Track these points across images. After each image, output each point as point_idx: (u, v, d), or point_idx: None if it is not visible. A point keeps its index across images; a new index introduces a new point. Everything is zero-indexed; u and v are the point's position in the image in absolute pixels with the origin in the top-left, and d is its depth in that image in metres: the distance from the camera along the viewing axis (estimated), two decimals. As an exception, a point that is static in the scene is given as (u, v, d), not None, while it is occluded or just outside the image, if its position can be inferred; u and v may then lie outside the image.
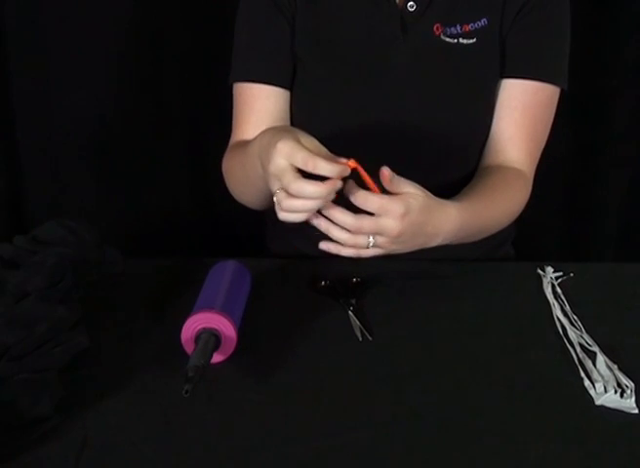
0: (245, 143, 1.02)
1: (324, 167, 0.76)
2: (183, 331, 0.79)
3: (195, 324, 0.79)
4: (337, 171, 0.77)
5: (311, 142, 0.80)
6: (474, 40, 1.03)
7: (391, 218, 0.81)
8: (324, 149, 0.80)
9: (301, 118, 1.09)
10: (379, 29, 1.03)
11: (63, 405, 0.72)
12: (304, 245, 1.14)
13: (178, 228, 1.51)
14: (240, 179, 1.03)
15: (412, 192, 0.83)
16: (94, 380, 0.78)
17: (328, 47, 1.04)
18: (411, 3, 1.02)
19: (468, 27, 1.02)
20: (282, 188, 0.79)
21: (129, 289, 0.95)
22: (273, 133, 0.83)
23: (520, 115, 1.06)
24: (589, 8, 1.38)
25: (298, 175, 0.77)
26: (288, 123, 1.09)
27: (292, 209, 0.79)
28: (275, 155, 0.78)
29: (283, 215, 0.81)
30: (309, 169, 0.76)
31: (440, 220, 0.87)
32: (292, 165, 0.77)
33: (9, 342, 0.76)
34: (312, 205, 0.79)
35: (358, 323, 0.88)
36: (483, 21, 1.02)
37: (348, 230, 0.81)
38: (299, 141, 0.78)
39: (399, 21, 1.02)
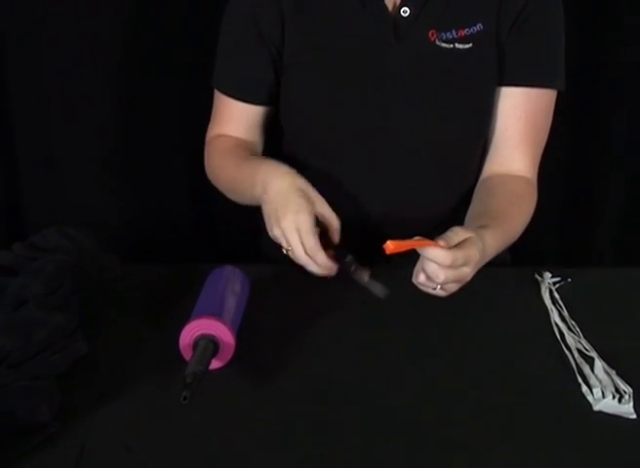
0: (231, 149, 1.09)
1: (321, 261, 0.90)
2: (181, 337, 0.79)
3: (193, 330, 0.79)
4: (325, 268, 0.90)
5: (326, 210, 0.92)
6: (470, 45, 1.02)
7: (470, 267, 0.85)
8: (336, 221, 0.93)
9: (295, 126, 1.10)
10: (372, 36, 1.02)
11: (61, 412, 0.72)
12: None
13: (176, 234, 1.51)
14: (225, 189, 1.11)
15: (470, 237, 0.86)
16: (92, 387, 0.78)
17: (321, 56, 1.04)
18: (404, 8, 1.01)
19: (464, 32, 1.02)
20: (290, 250, 0.90)
21: (127, 295, 0.95)
22: (295, 187, 0.92)
23: (524, 124, 1.06)
24: (588, 10, 1.38)
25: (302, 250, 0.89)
26: (262, 133, 1.14)
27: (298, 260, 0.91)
28: (291, 223, 0.89)
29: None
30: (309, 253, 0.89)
31: (485, 252, 0.89)
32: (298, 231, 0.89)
33: (7, 349, 0.76)
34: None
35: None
36: (478, 26, 1.02)
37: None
38: (312, 213, 0.90)
39: (392, 28, 1.02)
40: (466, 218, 1.00)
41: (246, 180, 1.00)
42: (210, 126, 1.16)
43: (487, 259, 0.91)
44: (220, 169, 1.11)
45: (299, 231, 0.88)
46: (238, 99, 1.10)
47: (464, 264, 0.83)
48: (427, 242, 0.82)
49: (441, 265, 0.82)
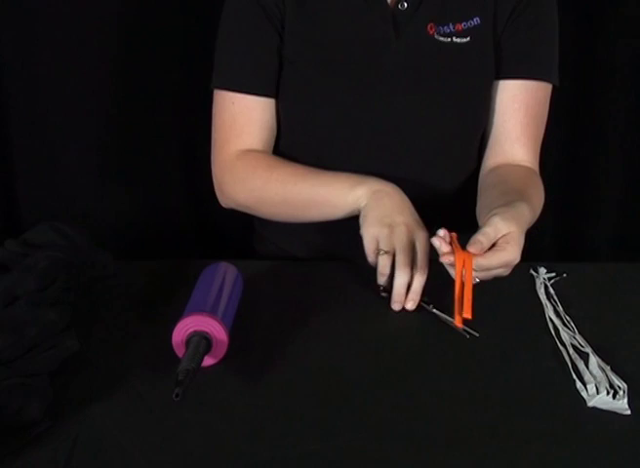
0: (282, 160, 1.07)
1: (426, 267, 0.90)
2: (174, 334, 0.78)
3: (186, 327, 0.78)
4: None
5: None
6: (468, 39, 1.02)
7: (508, 269, 0.86)
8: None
9: (292, 120, 1.09)
10: (371, 30, 1.02)
11: (53, 409, 0.72)
12: (292, 247, 1.13)
13: (170, 231, 1.50)
14: (293, 201, 1.04)
15: (511, 233, 0.84)
16: (84, 384, 0.77)
17: (319, 49, 1.04)
18: (402, 2, 1.01)
19: (461, 26, 1.02)
20: (389, 253, 0.90)
21: (119, 291, 0.95)
22: (409, 205, 0.96)
23: (524, 115, 1.06)
24: (585, 7, 1.38)
25: (410, 258, 0.90)
26: (275, 129, 1.10)
27: (379, 267, 0.92)
28: (412, 220, 0.93)
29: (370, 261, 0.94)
30: (419, 259, 0.90)
31: (524, 228, 0.88)
32: (412, 240, 0.90)
33: (-2, 346, 0.76)
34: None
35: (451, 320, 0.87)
36: (475, 20, 1.02)
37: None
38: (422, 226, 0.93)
39: (391, 22, 1.02)
40: (483, 206, 0.99)
41: (334, 193, 1.00)
42: (223, 145, 1.09)
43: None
44: (280, 184, 1.04)
45: (413, 241, 0.90)
46: (257, 94, 1.05)
47: (502, 267, 0.84)
48: (463, 256, 0.82)
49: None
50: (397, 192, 0.97)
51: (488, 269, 0.83)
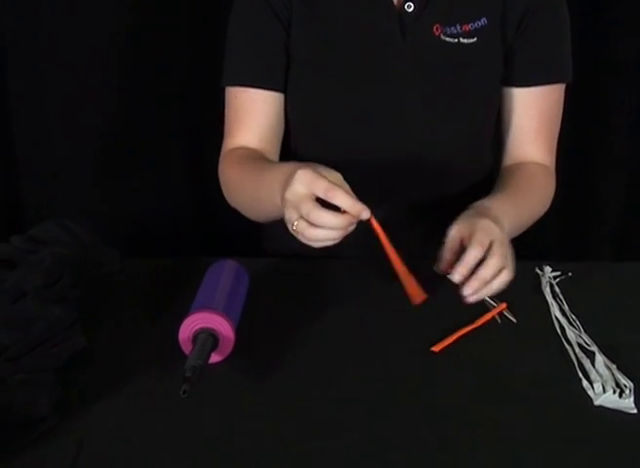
0: (251, 157, 1.03)
1: (343, 198, 0.76)
2: (181, 331, 0.79)
3: (193, 324, 0.78)
4: (355, 207, 0.76)
5: (335, 176, 0.79)
6: (475, 39, 1.02)
7: (505, 246, 0.84)
8: (347, 186, 0.80)
9: (299, 119, 1.09)
10: (377, 31, 1.02)
11: (60, 405, 0.72)
12: (300, 244, 1.13)
13: (175, 228, 1.50)
14: (247, 200, 1.02)
15: (481, 222, 0.85)
16: (91, 380, 0.78)
17: (325, 48, 1.04)
18: (408, 3, 1.01)
19: (468, 27, 1.02)
20: (301, 217, 0.77)
21: (126, 288, 0.95)
22: (295, 165, 0.81)
23: (538, 121, 1.07)
24: (587, 6, 1.38)
25: (316, 203, 0.76)
26: (283, 126, 1.10)
27: (315, 238, 0.78)
28: (294, 182, 0.77)
29: (306, 242, 0.80)
30: (329, 197, 0.76)
31: (499, 217, 0.89)
32: (311, 193, 0.76)
33: (6, 342, 0.76)
34: (335, 235, 0.78)
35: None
36: (482, 21, 1.02)
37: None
38: (319, 172, 0.77)
39: (397, 22, 1.01)
40: None
41: (265, 191, 0.90)
42: (224, 140, 1.09)
43: (509, 225, 0.90)
44: (238, 183, 1.03)
45: (303, 183, 0.76)
46: (259, 87, 1.05)
47: (488, 236, 0.82)
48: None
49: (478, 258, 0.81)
50: (283, 178, 0.82)
51: (483, 247, 0.81)
